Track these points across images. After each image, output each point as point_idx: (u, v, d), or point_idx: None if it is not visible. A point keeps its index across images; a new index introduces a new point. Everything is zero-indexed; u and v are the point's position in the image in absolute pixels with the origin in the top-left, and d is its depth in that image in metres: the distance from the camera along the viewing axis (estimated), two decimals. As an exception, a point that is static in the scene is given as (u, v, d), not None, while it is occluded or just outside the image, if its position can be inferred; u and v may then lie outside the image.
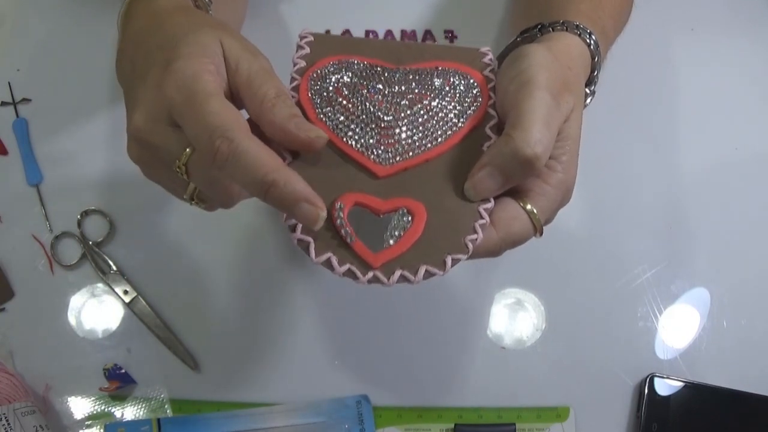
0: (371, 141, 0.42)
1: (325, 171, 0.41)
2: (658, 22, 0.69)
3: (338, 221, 0.39)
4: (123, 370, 0.58)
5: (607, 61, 0.61)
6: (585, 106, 0.51)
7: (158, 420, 0.57)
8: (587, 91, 0.51)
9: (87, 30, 0.67)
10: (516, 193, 0.44)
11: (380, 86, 0.44)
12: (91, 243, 0.61)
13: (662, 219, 0.64)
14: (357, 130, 0.42)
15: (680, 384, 0.59)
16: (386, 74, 0.45)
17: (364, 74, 0.45)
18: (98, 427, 0.57)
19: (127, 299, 0.60)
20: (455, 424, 0.58)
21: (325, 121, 0.43)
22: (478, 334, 0.61)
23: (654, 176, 0.65)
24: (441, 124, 0.43)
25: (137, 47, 0.43)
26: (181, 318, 0.60)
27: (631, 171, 0.65)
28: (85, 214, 0.62)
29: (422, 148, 0.42)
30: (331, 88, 0.44)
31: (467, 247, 0.40)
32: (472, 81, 0.46)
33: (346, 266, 0.38)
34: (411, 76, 0.45)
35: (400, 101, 0.44)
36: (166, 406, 0.58)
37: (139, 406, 0.58)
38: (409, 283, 0.39)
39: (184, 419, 0.57)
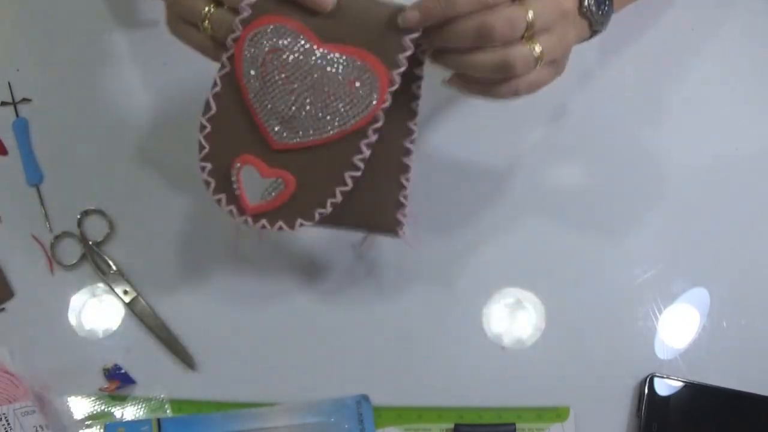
0: (274, 120, 0.51)
1: (237, 130, 0.51)
2: (658, 22, 0.69)
3: (233, 177, 0.51)
4: (123, 370, 0.58)
5: (608, 60, 0.61)
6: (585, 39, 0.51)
7: (158, 420, 0.57)
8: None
9: (87, 30, 0.67)
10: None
11: (297, 73, 0.50)
12: (91, 243, 0.61)
13: (662, 219, 0.64)
14: (268, 106, 0.50)
15: (680, 384, 0.59)
16: (305, 56, 0.49)
17: (288, 47, 0.50)
18: (98, 427, 0.57)
19: (127, 299, 0.60)
20: (455, 424, 0.58)
21: (248, 85, 0.50)
22: (478, 334, 0.61)
23: (654, 176, 0.65)
24: (333, 120, 0.50)
25: None
26: (181, 318, 0.60)
27: (630, 171, 0.65)
28: (85, 214, 0.62)
29: (313, 137, 0.51)
30: (260, 57, 0.49)
31: (314, 217, 0.51)
32: (377, 83, 0.49)
33: (230, 207, 0.51)
34: (324, 66, 0.49)
35: (306, 97, 0.50)
36: (166, 406, 0.58)
37: (139, 406, 0.58)
38: (268, 229, 0.52)
39: (184, 419, 0.57)
